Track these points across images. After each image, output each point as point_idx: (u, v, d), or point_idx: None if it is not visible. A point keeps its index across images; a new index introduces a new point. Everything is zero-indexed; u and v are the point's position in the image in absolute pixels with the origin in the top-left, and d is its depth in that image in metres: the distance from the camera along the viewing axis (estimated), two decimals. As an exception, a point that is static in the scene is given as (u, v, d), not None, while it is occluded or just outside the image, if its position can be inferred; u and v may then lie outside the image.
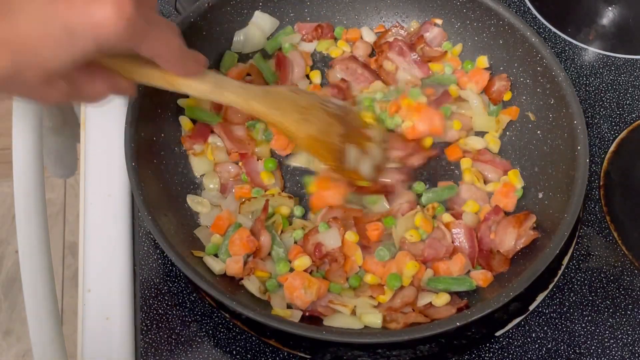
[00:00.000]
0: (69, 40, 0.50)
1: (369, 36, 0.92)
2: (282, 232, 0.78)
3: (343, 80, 0.88)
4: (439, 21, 0.91)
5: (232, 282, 0.75)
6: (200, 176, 0.82)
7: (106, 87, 0.60)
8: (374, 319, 0.72)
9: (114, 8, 0.50)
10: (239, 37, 0.89)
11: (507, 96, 0.87)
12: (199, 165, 0.82)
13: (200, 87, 0.66)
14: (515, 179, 0.82)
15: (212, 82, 0.67)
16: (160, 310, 0.76)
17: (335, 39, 0.92)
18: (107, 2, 0.50)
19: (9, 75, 0.50)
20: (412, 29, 0.92)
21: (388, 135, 0.83)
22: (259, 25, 0.90)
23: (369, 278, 0.76)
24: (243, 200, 0.79)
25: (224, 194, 0.81)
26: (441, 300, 0.73)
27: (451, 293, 0.74)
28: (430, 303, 0.74)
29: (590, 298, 0.79)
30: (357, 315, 0.73)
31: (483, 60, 0.88)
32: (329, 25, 0.92)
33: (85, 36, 0.50)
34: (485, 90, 0.88)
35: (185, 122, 0.83)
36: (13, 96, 0.58)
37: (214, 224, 0.78)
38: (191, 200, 0.80)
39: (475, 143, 0.85)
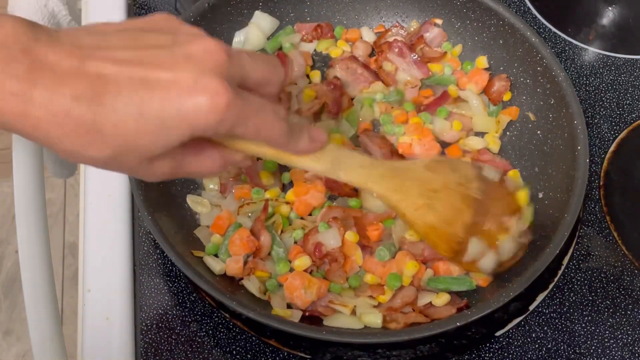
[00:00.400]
0: (163, 129, 0.48)
1: (368, 36, 0.92)
2: (282, 232, 0.78)
3: (336, 77, 0.88)
4: (439, 21, 0.91)
5: (232, 282, 0.75)
6: (200, 176, 0.83)
7: (215, 161, 0.57)
8: (374, 319, 0.72)
9: (210, 98, 0.48)
10: (239, 37, 0.89)
11: (507, 96, 0.87)
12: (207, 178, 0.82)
13: (314, 166, 0.61)
14: (515, 180, 0.82)
15: (328, 161, 0.62)
16: (160, 310, 0.76)
17: (335, 39, 0.92)
18: (202, 92, 0.47)
19: (107, 161, 0.49)
20: (412, 29, 0.92)
21: (529, 225, 0.73)
22: (259, 26, 0.90)
23: (368, 278, 0.76)
24: (242, 203, 0.79)
25: (223, 193, 0.81)
26: (441, 300, 0.73)
27: (451, 293, 0.74)
28: (431, 303, 0.74)
29: (590, 298, 0.79)
30: (357, 315, 0.73)
31: (482, 61, 0.88)
32: (329, 25, 0.92)
33: (181, 126, 0.48)
34: (485, 91, 0.88)
35: None
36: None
37: (214, 224, 0.78)
38: (191, 200, 0.80)
39: (475, 143, 0.85)
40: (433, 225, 0.68)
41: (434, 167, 0.69)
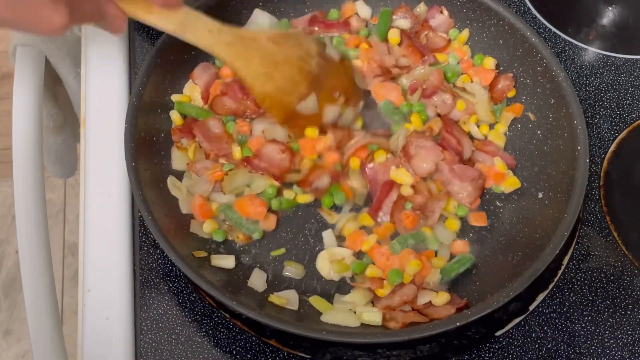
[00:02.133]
0: None
1: (364, 11, 0.92)
2: None
3: None
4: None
5: (232, 282, 0.75)
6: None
7: (95, 10, 0.65)
8: (374, 317, 0.72)
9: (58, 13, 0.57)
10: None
11: (511, 93, 0.87)
12: (178, 159, 0.82)
13: (164, 25, 0.70)
14: (510, 184, 0.82)
15: (178, 22, 0.70)
16: (160, 310, 0.76)
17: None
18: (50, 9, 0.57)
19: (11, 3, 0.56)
20: (418, 10, 0.91)
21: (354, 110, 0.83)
22: (259, 24, 0.90)
23: (369, 271, 0.76)
24: (221, 178, 0.80)
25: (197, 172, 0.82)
26: (441, 299, 0.73)
27: (451, 292, 0.74)
28: (430, 302, 0.74)
29: (590, 298, 0.79)
30: (356, 313, 0.73)
31: (490, 62, 0.88)
32: (322, 13, 0.91)
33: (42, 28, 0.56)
34: (489, 88, 0.87)
35: (175, 116, 0.84)
36: (19, 29, 0.61)
37: (198, 212, 0.78)
38: (171, 183, 0.80)
39: (474, 131, 0.86)
40: (270, 93, 0.76)
41: (279, 40, 0.77)
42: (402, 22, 0.90)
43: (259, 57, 0.75)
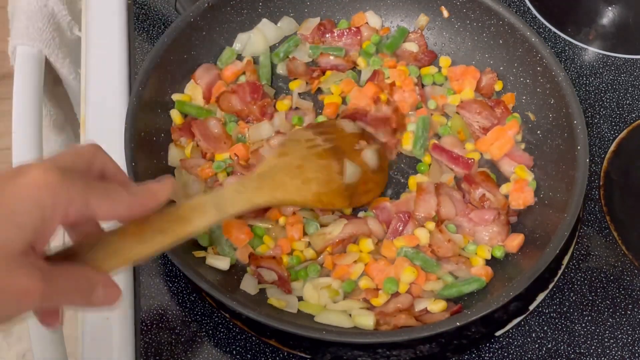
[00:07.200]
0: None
1: (374, 20, 0.92)
2: None
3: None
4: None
5: (232, 282, 0.75)
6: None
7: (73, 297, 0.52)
8: (366, 321, 0.71)
9: (31, 278, 0.46)
10: (241, 39, 0.89)
11: (498, 86, 0.87)
12: (174, 156, 0.82)
13: (205, 222, 0.60)
14: (523, 174, 0.81)
15: (212, 208, 0.61)
16: (160, 310, 0.76)
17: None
18: (22, 274, 0.46)
19: None
20: (420, 23, 0.92)
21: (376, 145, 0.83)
22: (264, 33, 0.90)
23: (362, 283, 0.75)
24: (211, 175, 0.79)
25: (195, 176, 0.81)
26: (438, 306, 0.72)
27: (448, 299, 0.74)
28: (426, 309, 0.73)
29: (590, 298, 0.79)
30: (350, 316, 0.73)
31: (446, 60, 0.90)
32: (330, 22, 0.92)
33: (10, 305, 0.46)
34: (475, 88, 0.88)
35: (175, 115, 0.84)
36: None
37: None
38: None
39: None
40: (319, 191, 0.75)
41: (284, 151, 0.76)
42: (412, 45, 0.91)
43: (286, 174, 0.73)
